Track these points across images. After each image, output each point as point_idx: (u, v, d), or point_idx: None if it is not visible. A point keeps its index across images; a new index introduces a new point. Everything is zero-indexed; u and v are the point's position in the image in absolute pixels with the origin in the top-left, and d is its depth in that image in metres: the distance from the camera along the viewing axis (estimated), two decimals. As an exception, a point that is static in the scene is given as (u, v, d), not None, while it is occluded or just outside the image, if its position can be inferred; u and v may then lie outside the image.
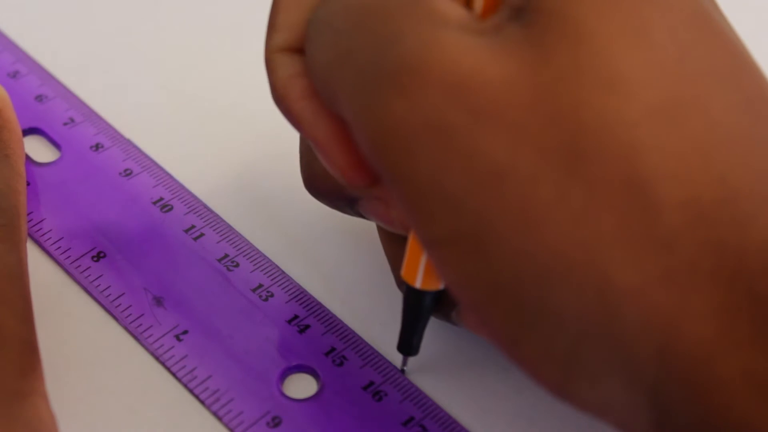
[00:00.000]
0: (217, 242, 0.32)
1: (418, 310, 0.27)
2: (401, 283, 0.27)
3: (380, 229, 0.29)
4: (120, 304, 0.30)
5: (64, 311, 0.30)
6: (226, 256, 0.31)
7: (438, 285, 0.26)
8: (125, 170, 0.34)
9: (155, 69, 0.38)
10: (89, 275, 0.31)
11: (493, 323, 0.21)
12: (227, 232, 0.32)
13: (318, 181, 0.27)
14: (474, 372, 0.29)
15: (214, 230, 0.32)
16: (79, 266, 0.31)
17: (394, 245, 0.28)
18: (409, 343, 0.28)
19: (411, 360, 0.29)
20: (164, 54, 0.39)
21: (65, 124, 0.35)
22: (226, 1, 0.41)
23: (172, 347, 0.29)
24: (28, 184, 0.33)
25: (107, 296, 0.30)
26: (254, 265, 0.31)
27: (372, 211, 0.26)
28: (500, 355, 0.22)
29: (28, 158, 0.34)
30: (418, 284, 0.26)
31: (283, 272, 0.31)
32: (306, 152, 0.28)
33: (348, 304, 0.31)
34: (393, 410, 0.28)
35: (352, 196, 0.26)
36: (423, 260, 0.25)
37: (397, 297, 0.29)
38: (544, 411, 0.28)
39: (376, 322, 0.30)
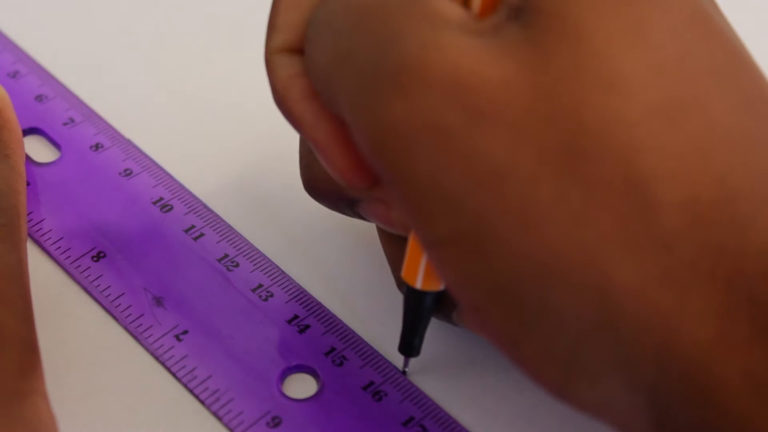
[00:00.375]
0: (217, 242, 0.32)
1: (418, 311, 0.27)
2: (401, 284, 0.27)
3: (380, 230, 0.29)
4: (120, 304, 0.30)
5: (64, 311, 0.30)
6: (226, 256, 0.31)
7: (438, 286, 0.26)
8: (125, 170, 0.34)
9: (155, 69, 0.38)
10: (89, 275, 0.31)
11: (493, 324, 0.21)
12: (227, 232, 0.32)
13: (318, 183, 0.27)
14: (474, 372, 0.29)
15: (214, 230, 0.32)
16: (79, 266, 0.31)
17: (394, 246, 0.28)
18: (410, 345, 0.28)
19: (411, 360, 0.29)
20: (164, 54, 0.39)
21: (65, 124, 0.35)
22: (226, 1, 0.41)
23: (172, 347, 0.29)
24: (28, 184, 0.33)
25: (107, 296, 0.30)
26: (254, 265, 0.31)
27: (372, 213, 0.26)
28: (500, 355, 0.22)
29: (28, 158, 0.34)
30: (418, 285, 0.26)
31: (283, 272, 0.31)
32: (306, 154, 0.28)
33: (348, 304, 0.31)
34: (393, 410, 0.28)
35: (352, 197, 0.26)
36: (423, 261, 0.25)
37: (397, 297, 0.29)
38: (544, 411, 0.28)
39: (376, 322, 0.30)
